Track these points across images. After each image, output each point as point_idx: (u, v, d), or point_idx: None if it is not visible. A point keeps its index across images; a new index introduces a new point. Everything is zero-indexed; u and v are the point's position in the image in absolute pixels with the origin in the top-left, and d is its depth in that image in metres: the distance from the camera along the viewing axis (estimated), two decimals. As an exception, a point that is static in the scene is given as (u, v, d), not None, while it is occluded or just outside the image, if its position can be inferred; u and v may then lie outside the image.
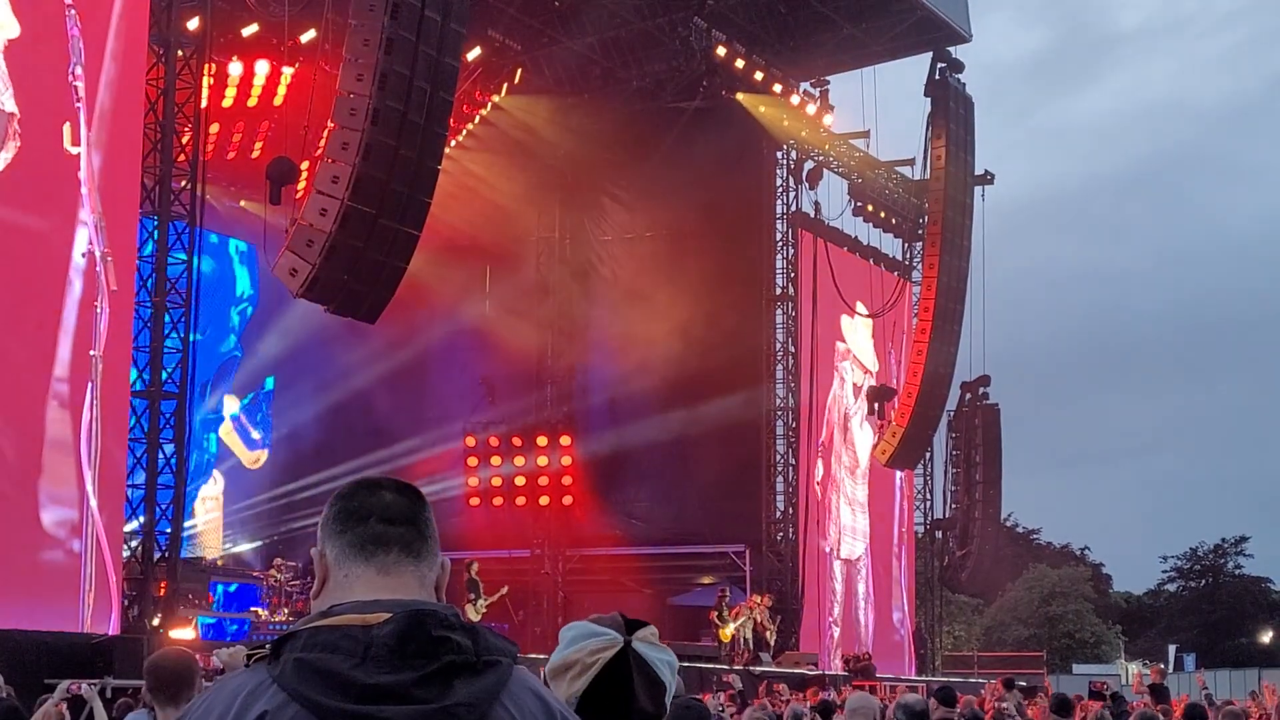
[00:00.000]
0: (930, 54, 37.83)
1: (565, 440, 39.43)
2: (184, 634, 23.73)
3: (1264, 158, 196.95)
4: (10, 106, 21.63)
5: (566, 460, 39.40)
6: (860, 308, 41.20)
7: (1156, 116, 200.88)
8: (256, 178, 26.85)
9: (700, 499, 38.34)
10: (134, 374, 23.50)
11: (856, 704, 9.59)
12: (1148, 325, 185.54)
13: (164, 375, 23.90)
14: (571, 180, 39.02)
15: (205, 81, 25.37)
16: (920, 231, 41.81)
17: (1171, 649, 70.79)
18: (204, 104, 25.33)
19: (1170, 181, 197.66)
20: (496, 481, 39.39)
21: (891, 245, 43.48)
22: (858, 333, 41.57)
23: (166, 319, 24.02)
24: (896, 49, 39.13)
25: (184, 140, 24.65)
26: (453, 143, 32.93)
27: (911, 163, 41.12)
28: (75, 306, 22.38)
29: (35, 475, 21.84)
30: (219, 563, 35.25)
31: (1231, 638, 78.48)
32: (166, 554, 23.72)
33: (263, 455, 38.16)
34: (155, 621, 22.98)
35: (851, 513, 40.99)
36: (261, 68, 31.37)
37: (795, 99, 38.53)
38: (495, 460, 39.28)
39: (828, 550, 39.57)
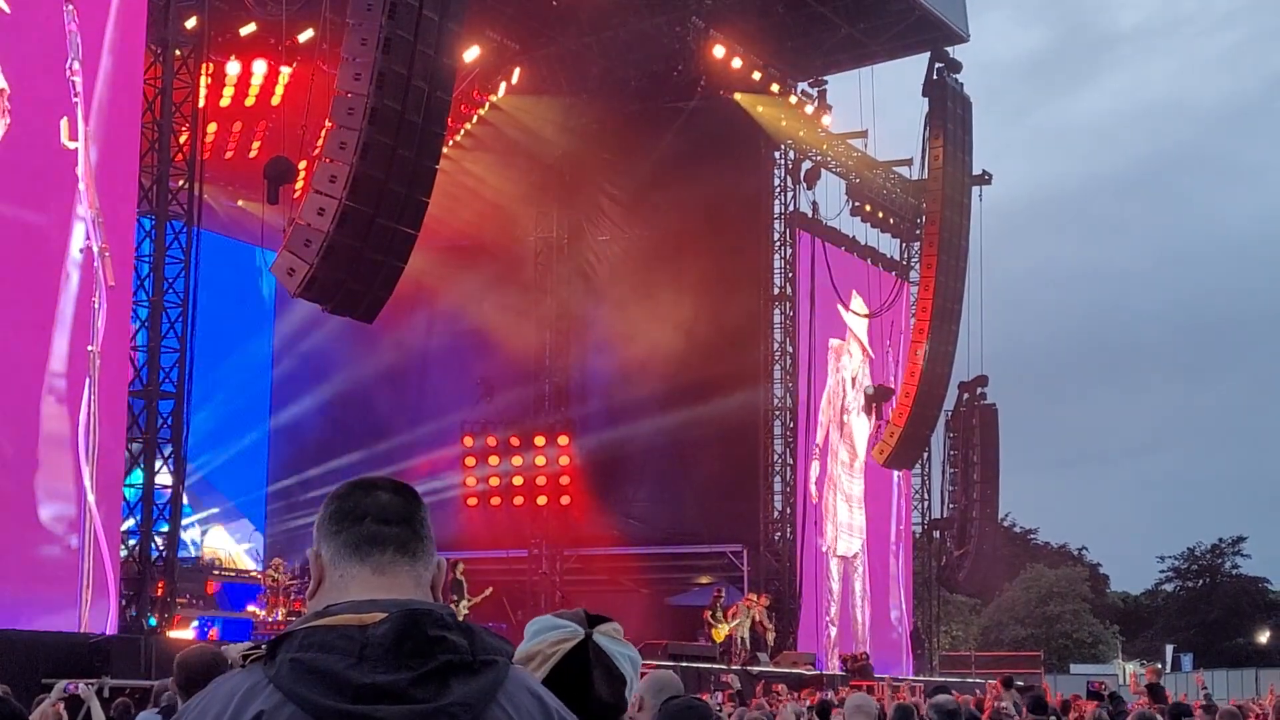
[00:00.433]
0: (928, 54, 37.83)
1: (563, 440, 39.41)
2: (182, 634, 23.70)
3: (1263, 157, 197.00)
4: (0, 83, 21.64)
5: (564, 460, 39.38)
6: (859, 307, 41.22)
7: (1155, 116, 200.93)
8: (254, 177, 26.83)
9: (698, 499, 38.34)
10: (132, 373, 23.50)
11: (856, 704, 9.59)
12: (1146, 325, 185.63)
13: (161, 375, 23.89)
14: (569, 180, 39.01)
15: (203, 81, 25.37)
16: (918, 231, 41.81)
17: (1169, 649, 70.79)
18: (201, 103, 25.32)
19: (1169, 181, 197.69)
20: (494, 481, 39.36)
21: (889, 245, 43.54)
22: (857, 326, 41.59)
23: (164, 318, 24.01)
24: (894, 49, 39.12)
25: (181, 140, 24.66)
26: (451, 142, 32.94)
27: (909, 163, 41.15)
28: (73, 302, 22.40)
29: (33, 470, 21.87)
30: (216, 562, 35.24)
31: (1229, 638, 78.45)
32: (164, 554, 23.70)
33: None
34: (153, 621, 22.97)
35: (849, 509, 41.00)
36: (259, 67, 31.36)
37: (793, 99, 38.56)
38: (493, 460, 39.26)
39: (824, 549, 39.56)
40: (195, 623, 25.43)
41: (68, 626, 21.52)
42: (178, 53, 24.59)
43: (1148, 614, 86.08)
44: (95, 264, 22.60)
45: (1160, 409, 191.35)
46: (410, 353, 39.64)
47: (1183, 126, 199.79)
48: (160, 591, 23.45)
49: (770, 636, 35.55)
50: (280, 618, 28.05)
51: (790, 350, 39.14)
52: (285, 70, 30.70)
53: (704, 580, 38.88)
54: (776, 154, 39.71)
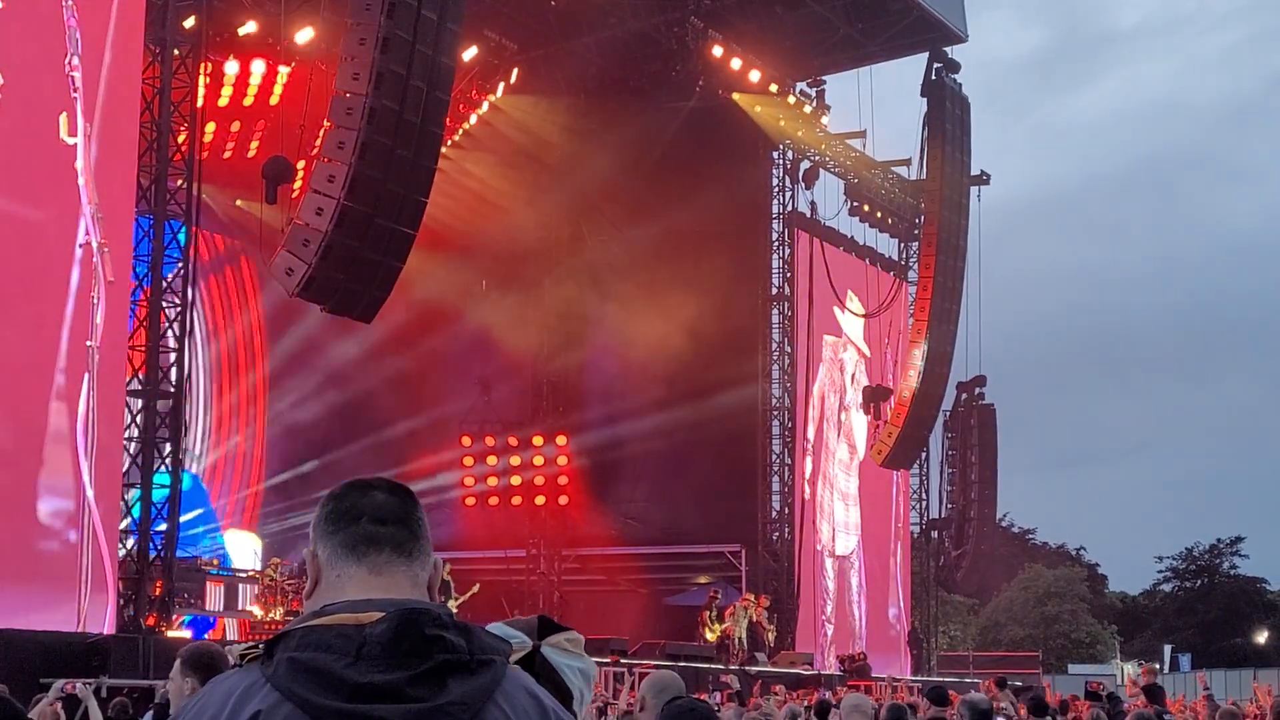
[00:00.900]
0: (927, 54, 37.83)
1: (561, 440, 39.40)
2: (181, 634, 23.70)
3: (1262, 157, 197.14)
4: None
5: (562, 460, 39.37)
6: (856, 307, 41.22)
7: (1155, 116, 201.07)
8: (252, 177, 26.79)
9: (696, 499, 38.33)
10: (130, 372, 23.50)
11: (853, 704, 9.62)
12: (1145, 325, 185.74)
13: (159, 375, 23.89)
14: (567, 180, 38.98)
15: (201, 80, 25.36)
16: (916, 231, 41.82)
17: (1167, 649, 70.81)
18: (200, 103, 25.31)
19: (1168, 181, 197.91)
20: (493, 481, 39.36)
21: (888, 245, 43.52)
22: (853, 325, 41.60)
23: (162, 318, 24.02)
24: (893, 49, 39.11)
25: (180, 139, 24.64)
26: (449, 142, 32.95)
27: (908, 163, 41.13)
28: (72, 297, 22.41)
29: (33, 466, 21.87)
30: (214, 562, 35.20)
31: (1227, 638, 78.48)
32: (162, 553, 23.70)
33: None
34: (150, 621, 22.97)
35: (845, 507, 40.99)
36: (258, 67, 31.34)
37: (791, 99, 38.55)
38: (491, 460, 39.26)
39: (819, 549, 39.56)
40: (185, 619, 25.46)
41: (66, 622, 21.53)
42: (176, 52, 24.57)
43: (1146, 614, 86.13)
44: (94, 259, 22.61)
45: (1158, 409, 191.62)
46: (408, 353, 39.60)
47: (1182, 126, 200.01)
48: (158, 591, 23.43)
49: (770, 637, 35.56)
50: (278, 617, 28.05)
51: (789, 350, 39.14)
52: (283, 70, 30.68)
53: (702, 580, 38.88)
54: (775, 154, 39.72)
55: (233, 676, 2.52)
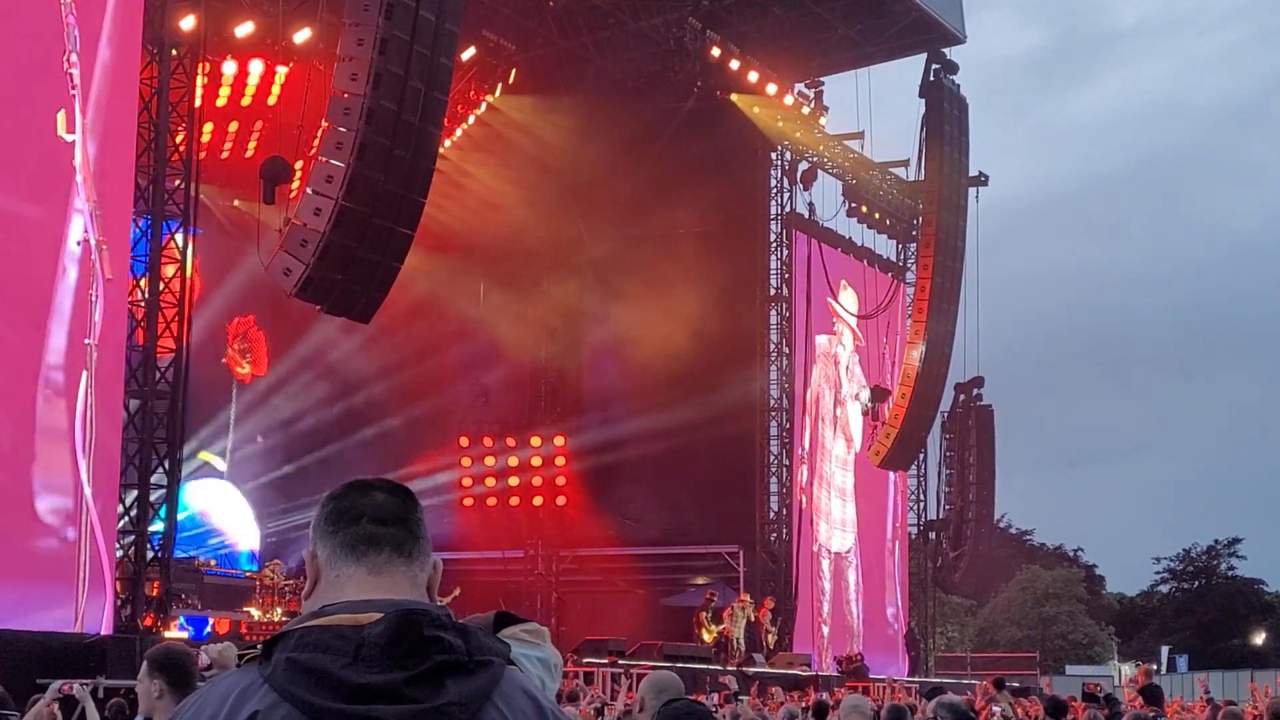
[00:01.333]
0: (925, 55, 37.85)
1: (559, 440, 39.40)
2: (176, 635, 23.68)
3: (1262, 157, 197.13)
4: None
5: (560, 461, 39.38)
6: (850, 299, 41.24)
7: (1154, 116, 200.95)
8: (251, 177, 26.80)
9: (694, 499, 38.33)
10: (127, 372, 23.49)
11: (852, 705, 9.61)
12: (1143, 325, 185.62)
13: (157, 375, 23.88)
14: (565, 180, 38.98)
15: (199, 80, 25.34)
16: (914, 233, 41.86)
17: (1164, 650, 70.79)
18: (198, 103, 25.29)
19: (1168, 181, 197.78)
20: (491, 482, 39.37)
21: (885, 246, 43.56)
22: (848, 315, 41.63)
23: (160, 318, 24.01)
24: (891, 50, 39.15)
25: (178, 139, 24.62)
26: (447, 142, 32.95)
27: (906, 164, 41.19)
28: (70, 295, 22.40)
29: (30, 463, 21.86)
30: (211, 562, 35.19)
31: (1224, 639, 78.45)
32: (159, 553, 23.68)
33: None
34: (148, 621, 22.94)
35: (842, 503, 40.98)
36: (256, 67, 31.33)
37: (789, 100, 38.56)
38: (489, 460, 39.27)
39: (815, 550, 39.55)
40: (180, 620, 25.43)
41: (64, 620, 21.51)
42: (174, 52, 24.55)
43: (1143, 615, 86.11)
44: (92, 257, 22.60)
45: (1157, 410, 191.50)
46: (406, 353, 39.59)
47: (1182, 126, 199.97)
48: (155, 591, 23.42)
49: (770, 639, 35.57)
50: (276, 618, 28.03)
51: (786, 351, 39.15)
52: (282, 70, 30.69)
53: (700, 581, 38.90)
54: (773, 155, 39.75)
55: (231, 676, 2.51)
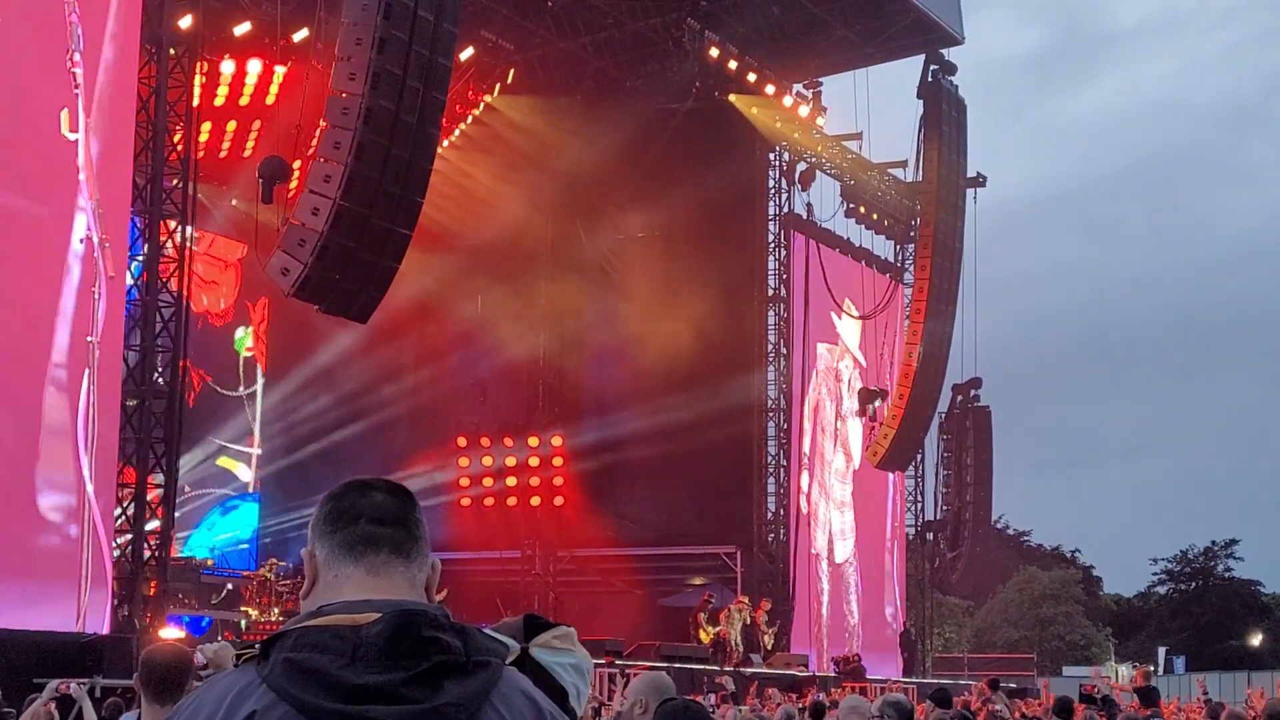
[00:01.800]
0: (923, 56, 37.85)
1: (557, 441, 39.38)
2: (172, 635, 23.67)
3: (1261, 157, 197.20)
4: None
5: (558, 461, 39.35)
6: (851, 309, 41.24)
7: (1154, 116, 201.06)
8: (248, 177, 26.80)
9: (692, 500, 38.30)
10: (125, 372, 23.49)
11: (851, 705, 9.60)
12: (1141, 326, 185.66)
13: (155, 374, 23.88)
14: (563, 181, 38.99)
15: (197, 80, 25.34)
16: (912, 234, 41.84)
17: (1161, 651, 70.88)
18: (196, 102, 25.29)
19: (1167, 181, 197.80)
20: (488, 482, 39.35)
21: (883, 247, 43.53)
22: (850, 331, 41.61)
23: (158, 317, 24.01)
24: (889, 51, 39.14)
25: (176, 139, 24.61)
26: (445, 142, 32.93)
27: (904, 165, 41.15)
28: (73, 292, 22.43)
29: (33, 460, 21.88)
30: (208, 562, 35.18)
31: (1221, 640, 78.51)
32: (157, 553, 23.67)
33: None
34: (145, 620, 22.93)
35: (840, 514, 40.97)
36: (254, 66, 31.33)
37: (788, 100, 38.55)
38: (487, 461, 39.25)
39: (814, 551, 39.53)
40: (185, 619, 25.44)
41: (66, 618, 21.52)
42: (172, 51, 24.55)
43: (1140, 616, 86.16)
44: (95, 254, 22.62)
45: (1154, 411, 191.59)
46: (403, 352, 39.61)
47: (1181, 126, 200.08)
48: (153, 591, 23.41)
49: (768, 640, 35.55)
50: (274, 618, 28.02)
51: (784, 352, 39.13)
52: (280, 69, 30.69)
53: (697, 581, 38.87)
54: (771, 156, 39.72)
55: (229, 676, 2.52)
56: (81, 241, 22.49)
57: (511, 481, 39.35)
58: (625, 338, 37.68)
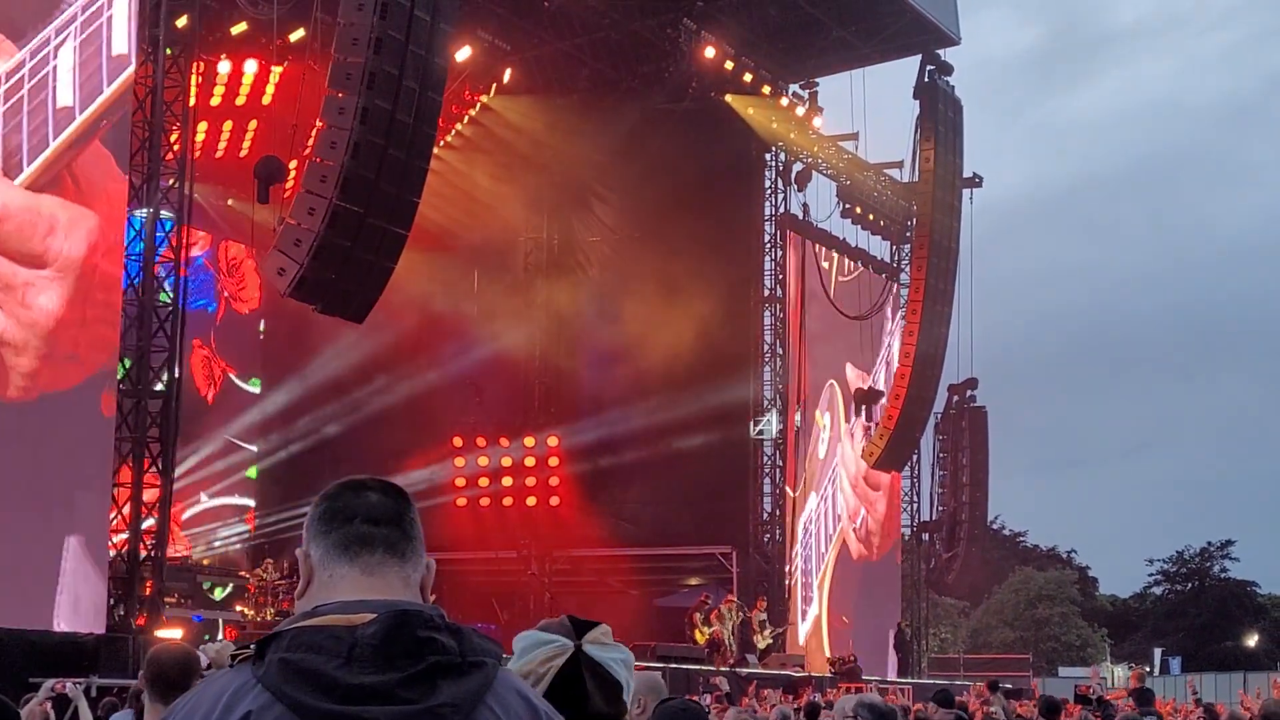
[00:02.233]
0: (919, 57, 37.86)
1: (552, 441, 39.39)
2: (172, 634, 23.66)
3: (1260, 157, 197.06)
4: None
5: (554, 461, 39.37)
6: (848, 309, 41.26)
7: (1152, 115, 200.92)
8: (245, 176, 26.82)
9: (687, 500, 38.29)
10: (121, 372, 23.49)
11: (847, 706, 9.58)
12: (1139, 326, 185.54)
13: (150, 374, 23.87)
14: (560, 181, 38.99)
15: (194, 80, 25.33)
16: (908, 234, 41.85)
17: (1157, 652, 70.89)
18: (192, 102, 25.29)
19: (1165, 181, 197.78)
20: (484, 482, 39.34)
21: (880, 247, 43.55)
22: (845, 329, 41.62)
23: (154, 317, 24.01)
24: (886, 51, 39.12)
25: (172, 139, 24.61)
26: (441, 143, 32.91)
27: (900, 165, 41.14)
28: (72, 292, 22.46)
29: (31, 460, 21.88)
30: (204, 562, 35.20)
31: (1217, 641, 78.52)
32: (153, 553, 23.66)
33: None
34: (140, 621, 22.93)
35: (837, 513, 40.98)
36: (250, 66, 31.33)
37: (784, 101, 38.56)
38: (482, 461, 39.24)
39: (808, 551, 39.53)
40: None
41: (58, 621, 21.50)
42: (168, 51, 24.55)
43: (1136, 617, 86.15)
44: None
45: (1150, 411, 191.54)
46: (399, 352, 39.58)
47: (1179, 126, 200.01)
48: (148, 591, 23.39)
49: (762, 641, 35.53)
50: (269, 618, 28.01)
51: (780, 352, 39.13)
52: (276, 70, 30.67)
53: (693, 582, 38.84)
54: (768, 156, 39.73)
55: (225, 676, 2.52)
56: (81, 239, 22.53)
57: (507, 481, 39.35)
58: (621, 338, 37.65)
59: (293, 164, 24.08)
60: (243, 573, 33.60)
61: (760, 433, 38.73)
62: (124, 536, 23.26)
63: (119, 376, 23.39)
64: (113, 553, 23.07)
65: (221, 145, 33.06)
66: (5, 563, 21.20)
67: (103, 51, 22.72)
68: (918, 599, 46.15)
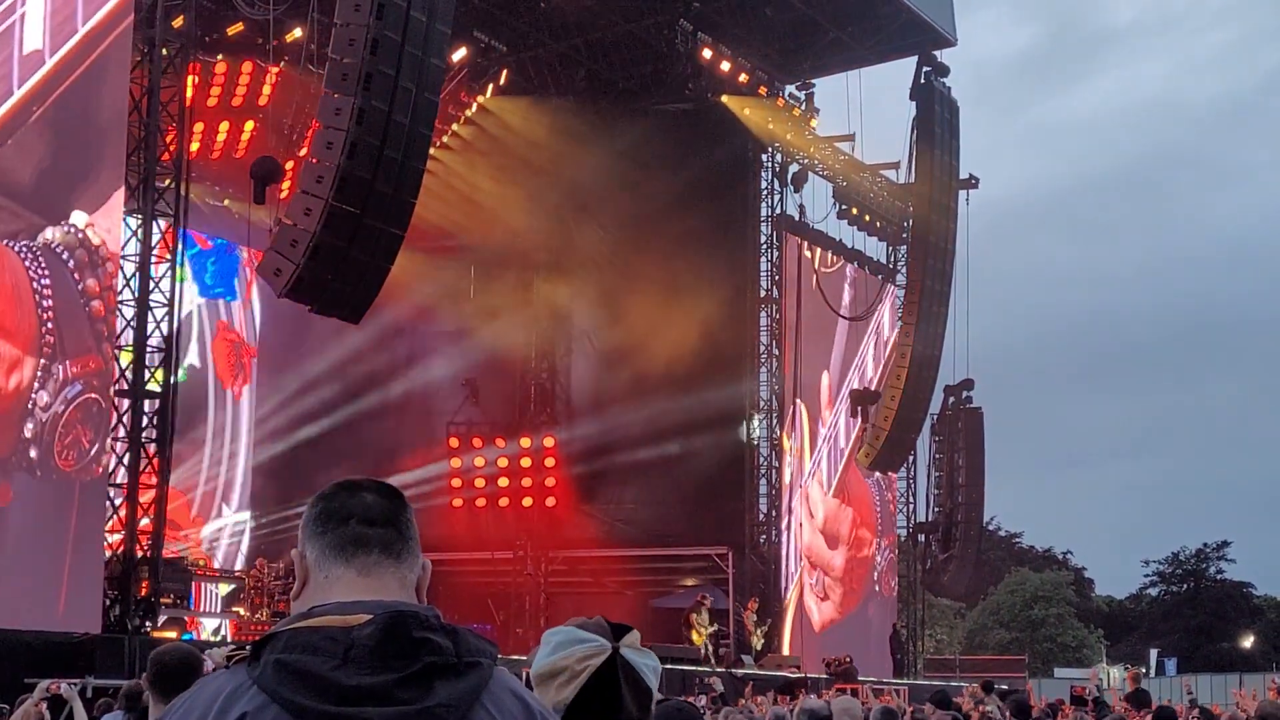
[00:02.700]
0: (916, 58, 37.83)
1: (549, 442, 39.37)
2: (165, 635, 23.65)
3: (1255, 158, 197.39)
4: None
5: (550, 461, 39.33)
6: (844, 310, 41.24)
7: (1148, 115, 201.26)
8: (241, 177, 26.82)
9: (684, 501, 38.29)
10: (117, 372, 23.48)
11: (842, 707, 9.60)
12: (1134, 327, 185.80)
13: (146, 375, 23.86)
14: (555, 181, 38.95)
15: (190, 80, 25.32)
16: (905, 235, 41.83)
17: (1153, 653, 70.93)
18: (188, 103, 25.27)
19: (1161, 181, 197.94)
20: (480, 482, 39.30)
21: (876, 248, 43.51)
22: (842, 330, 41.58)
23: (149, 317, 24.00)
24: (882, 52, 39.10)
25: (168, 139, 24.60)
26: (438, 144, 32.92)
27: (896, 166, 41.07)
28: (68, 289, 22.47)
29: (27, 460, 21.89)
30: (200, 562, 35.16)
31: (1213, 642, 78.60)
32: (149, 553, 23.64)
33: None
34: (136, 621, 22.91)
35: (833, 515, 40.96)
36: (246, 67, 31.31)
37: (781, 102, 38.54)
38: (479, 461, 39.20)
39: (804, 552, 39.51)
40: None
41: (55, 619, 21.49)
42: (164, 52, 24.53)
43: (1132, 618, 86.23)
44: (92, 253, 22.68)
45: (1147, 413, 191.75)
46: (396, 353, 39.60)
47: (1175, 126, 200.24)
48: (144, 591, 23.37)
49: (757, 642, 35.54)
50: (264, 618, 28.01)
51: (777, 353, 39.12)
52: (273, 70, 30.66)
53: (689, 582, 38.82)
54: (764, 157, 39.71)
55: (220, 677, 2.52)
56: (80, 239, 22.53)
57: (503, 482, 39.33)
58: (617, 338, 37.65)
59: (289, 164, 24.09)
60: (238, 573, 33.59)
61: (754, 435, 38.73)
62: (120, 537, 23.24)
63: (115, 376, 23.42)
64: (109, 553, 23.05)
65: (217, 146, 33.04)
66: (1, 563, 21.20)
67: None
68: (913, 600, 46.14)
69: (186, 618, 28.17)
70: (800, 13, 36.71)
